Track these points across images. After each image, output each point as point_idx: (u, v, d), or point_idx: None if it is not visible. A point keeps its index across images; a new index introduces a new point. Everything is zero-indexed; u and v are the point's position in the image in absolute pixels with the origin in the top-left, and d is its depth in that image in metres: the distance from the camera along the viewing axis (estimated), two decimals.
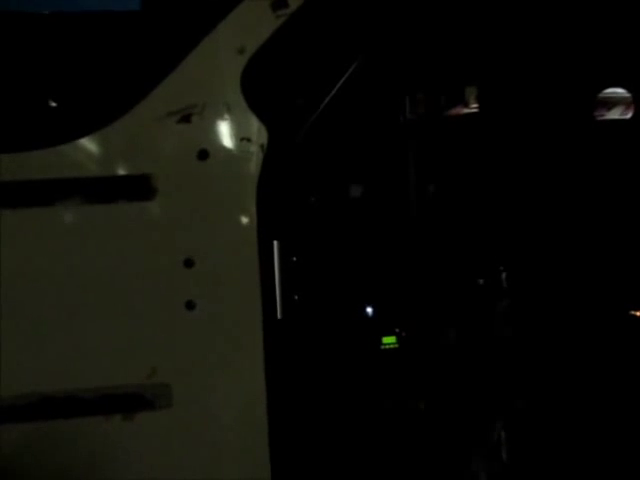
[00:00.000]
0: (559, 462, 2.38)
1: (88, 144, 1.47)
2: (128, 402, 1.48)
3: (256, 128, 1.50)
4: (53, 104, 1.50)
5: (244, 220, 1.50)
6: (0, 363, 1.43)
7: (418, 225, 3.11)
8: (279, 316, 1.52)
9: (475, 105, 3.28)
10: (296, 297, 1.63)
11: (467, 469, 2.48)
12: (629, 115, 3.20)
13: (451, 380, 2.64)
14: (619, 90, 3.30)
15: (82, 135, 1.46)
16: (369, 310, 2.70)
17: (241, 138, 1.50)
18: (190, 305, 1.48)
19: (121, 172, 1.48)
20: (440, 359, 2.71)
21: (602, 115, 3.27)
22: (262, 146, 1.50)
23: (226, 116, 1.50)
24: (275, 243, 1.52)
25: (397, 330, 2.92)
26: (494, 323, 3.00)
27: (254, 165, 1.49)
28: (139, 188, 1.48)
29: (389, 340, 2.94)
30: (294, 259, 1.63)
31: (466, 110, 3.32)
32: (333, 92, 1.62)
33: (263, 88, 1.53)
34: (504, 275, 3.14)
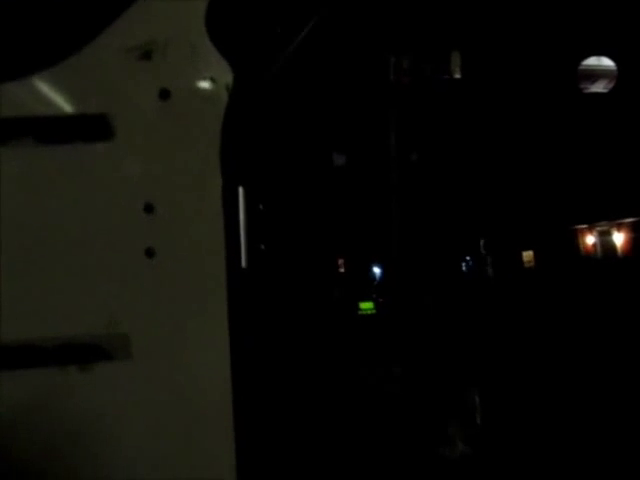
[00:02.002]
0: (530, 426, 2.36)
1: (41, 81, 1.39)
2: (85, 353, 1.41)
3: (221, 67, 1.42)
4: (3, 39, 1.41)
5: (208, 163, 1.43)
6: None
7: (399, 192, 3.06)
8: (243, 265, 1.45)
9: (459, 72, 3.22)
10: (262, 246, 1.57)
11: (443, 434, 2.46)
12: (612, 87, 3.14)
13: (427, 346, 2.62)
14: (604, 61, 3.23)
15: (34, 71, 1.37)
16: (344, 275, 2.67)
17: (205, 77, 1.43)
18: (150, 252, 1.42)
19: (76, 111, 1.40)
20: (416, 325, 2.68)
21: (586, 88, 3.21)
22: (227, 86, 1.42)
23: (189, 54, 1.42)
24: (240, 189, 1.45)
25: (374, 296, 2.90)
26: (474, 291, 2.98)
27: (218, 106, 1.42)
28: (96, 128, 1.40)
29: (366, 306, 2.92)
30: (261, 207, 1.57)
31: (450, 77, 3.26)
32: (304, 31, 1.54)
33: (228, 26, 1.45)
34: (482, 243, 3.12)
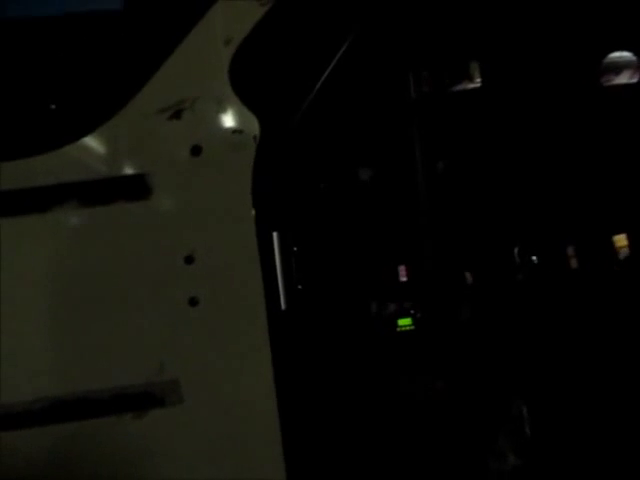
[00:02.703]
0: (581, 438, 2.35)
1: (82, 148, 1.47)
2: (138, 400, 1.49)
3: (247, 119, 1.48)
4: (43, 109, 1.50)
5: (242, 213, 1.49)
6: (10, 368, 1.44)
7: (428, 204, 3.08)
8: (283, 307, 1.51)
9: (479, 80, 3.22)
10: (300, 287, 1.63)
11: (493, 447, 2.47)
12: (637, 79, 3.11)
13: (468, 358, 2.63)
14: (626, 54, 3.21)
15: (74, 139, 1.46)
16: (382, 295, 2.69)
17: (233, 131, 1.49)
18: (193, 301, 1.48)
19: (116, 173, 1.48)
20: (456, 338, 2.69)
21: (610, 80, 3.18)
22: (255, 137, 1.48)
23: (216, 109, 1.48)
24: (275, 234, 1.51)
25: (412, 312, 2.91)
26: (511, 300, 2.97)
27: (248, 157, 1.48)
28: (135, 188, 1.47)
29: (405, 322, 2.94)
30: (295, 249, 1.62)
31: (471, 85, 3.26)
32: (325, 75, 1.59)
33: (252, 78, 1.51)
34: (517, 251, 3.11)
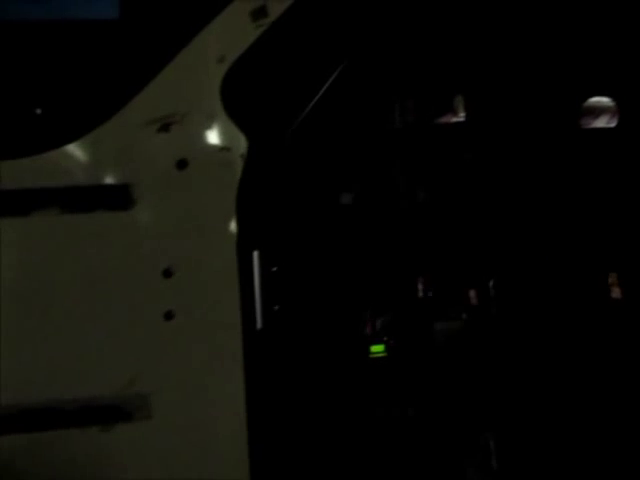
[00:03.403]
0: (549, 468, 2.37)
1: (66, 154, 1.46)
2: (106, 413, 1.46)
3: (236, 137, 1.49)
4: (32, 113, 1.49)
5: (224, 230, 1.49)
6: None
7: (408, 231, 3.11)
8: (259, 326, 1.51)
9: (463, 113, 3.30)
10: (277, 307, 1.63)
11: (460, 478, 2.47)
12: (614, 123, 3.22)
13: (440, 388, 2.64)
14: (604, 99, 3.32)
15: (59, 145, 1.45)
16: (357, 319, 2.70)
17: (221, 148, 1.50)
18: (169, 315, 1.47)
19: (100, 181, 1.48)
20: (429, 367, 2.70)
21: (588, 124, 3.29)
22: (242, 155, 1.49)
23: (205, 125, 1.49)
24: (255, 253, 1.51)
25: (385, 339, 2.92)
26: (484, 331, 3.00)
27: (234, 175, 1.49)
28: (118, 197, 1.47)
29: (377, 349, 2.94)
30: (275, 269, 1.62)
31: (455, 118, 3.34)
32: (315, 100, 1.62)
33: (243, 97, 1.52)
34: (492, 283, 3.15)
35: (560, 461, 2.36)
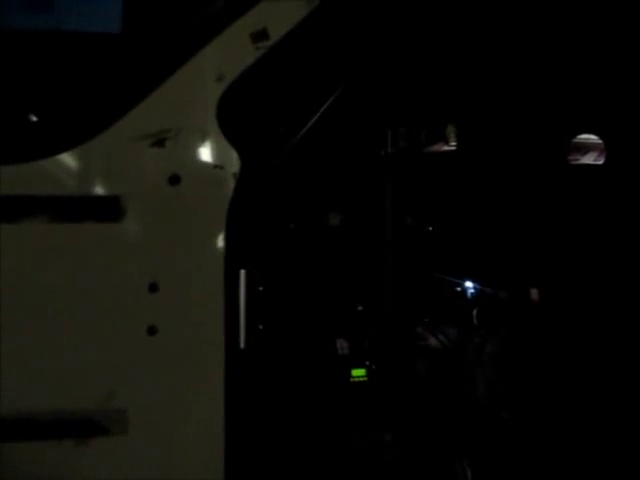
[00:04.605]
0: None
1: (58, 163, 1.46)
2: (82, 427, 1.44)
3: (229, 156, 1.50)
4: (26, 121, 1.49)
5: (212, 247, 1.49)
6: None
7: (392, 257, 3.13)
8: (242, 345, 1.50)
9: (454, 143, 3.34)
10: (261, 327, 1.62)
11: None
12: (602, 160, 3.28)
13: (418, 414, 2.64)
14: (593, 136, 3.39)
15: (51, 154, 1.45)
16: (339, 343, 2.70)
17: (214, 165, 1.50)
18: (152, 330, 1.47)
19: (90, 192, 1.47)
20: (409, 393, 2.70)
21: (577, 160, 3.35)
22: (234, 175, 1.50)
23: (200, 143, 1.50)
24: (242, 272, 1.51)
25: (367, 363, 2.92)
26: (465, 360, 3.01)
27: (225, 193, 1.49)
28: (108, 209, 1.46)
29: (358, 373, 2.93)
30: (260, 289, 1.62)
31: (446, 147, 3.38)
32: (310, 124, 1.63)
33: (239, 117, 1.53)
34: (476, 312, 3.16)
35: None
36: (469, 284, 3.35)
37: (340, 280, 2.77)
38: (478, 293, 3.29)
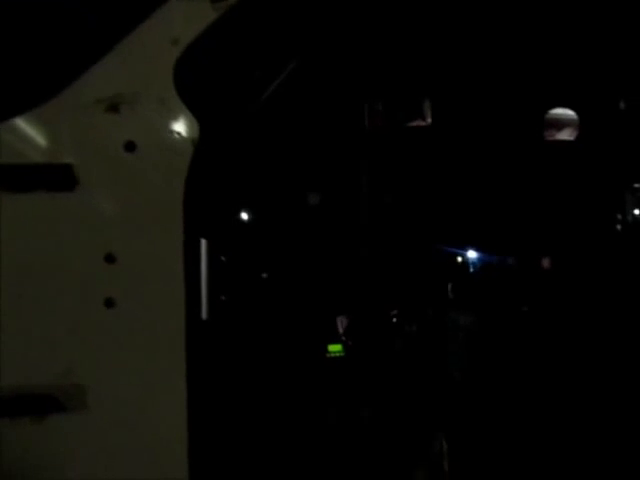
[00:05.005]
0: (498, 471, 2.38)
1: (7, 129, 1.40)
2: (38, 403, 1.40)
3: (188, 122, 1.45)
4: None
5: (170, 216, 1.44)
6: None
7: (370, 233, 3.10)
8: (204, 317, 1.46)
9: (430, 118, 3.30)
10: (223, 298, 1.58)
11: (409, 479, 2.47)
12: (576, 136, 3.27)
13: (395, 390, 2.63)
14: (569, 112, 3.36)
15: (0, 120, 1.38)
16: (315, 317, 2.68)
17: (171, 131, 1.45)
18: (109, 302, 1.42)
19: (41, 160, 1.41)
20: (385, 368, 2.69)
21: (552, 135, 3.32)
22: (193, 141, 1.45)
23: (156, 108, 1.44)
24: (203, 242, 1.47)
25: (343, 338, 2.91)
26: (440, 334, 3.00)
27: (184, 160, 1.44)
28: (60, 178, 1.41)
29: (335, 348, 2.92)
30: (222, 259, 1.58)
31: (423, 124, 3.34)
32: (272, 87, 1.58)
33: (197, 81, 1.48)
34: (450, 287, 3.16)
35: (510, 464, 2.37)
36: (446, 258, 3.35)
37: (316, 256, 2.74)
38: (453, 268, 3.28)
